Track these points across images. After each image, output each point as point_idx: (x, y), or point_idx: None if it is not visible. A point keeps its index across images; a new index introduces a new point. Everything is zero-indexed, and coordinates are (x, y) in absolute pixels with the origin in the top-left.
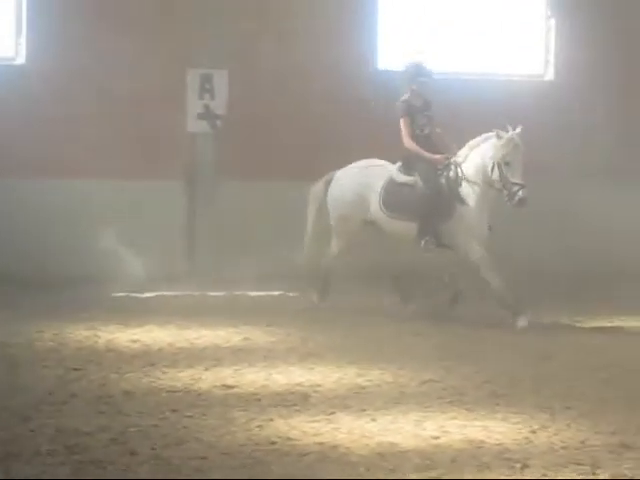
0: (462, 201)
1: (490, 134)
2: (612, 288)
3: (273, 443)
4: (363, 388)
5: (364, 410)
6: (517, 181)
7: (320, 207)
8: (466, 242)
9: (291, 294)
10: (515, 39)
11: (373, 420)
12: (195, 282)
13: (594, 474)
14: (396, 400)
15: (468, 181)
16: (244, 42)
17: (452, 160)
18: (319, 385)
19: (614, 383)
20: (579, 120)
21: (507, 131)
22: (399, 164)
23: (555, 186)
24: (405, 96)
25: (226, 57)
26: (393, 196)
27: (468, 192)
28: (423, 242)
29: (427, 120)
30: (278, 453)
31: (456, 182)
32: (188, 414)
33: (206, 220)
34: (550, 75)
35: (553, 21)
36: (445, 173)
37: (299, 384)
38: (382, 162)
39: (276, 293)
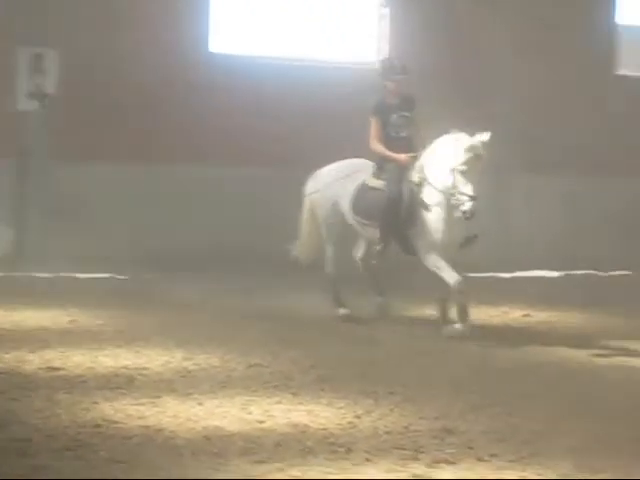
0: (425, 207)
1: (461, 135)
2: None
3: (98, 426)
4: (190, 372)
5: (190, 394)
6: (467, 192)
7: (310, 207)
8: (426, 251)
9: (120, 277)
10: (349, 26)
11: (199, 404)
12: (22, 263)
13: (416, 459)
14: (222, 384)
15: (431, 185)
16: (78, 23)
17: (417, 162)
18: (145, 368)
19: (438, 369)
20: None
21: (475, 135)
22: (373, 167)
23: None
24: (379, 95)
25: (58, 37)
26: (362, 201)
27: (431, 197)
28: (378, 248)
29: (404, 121)
30: (103, 436)
31: (420, 186)
32: (13, 396)
33: (36, 200)
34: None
35: (387, 10)
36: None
37: (125, 367)
38: (362, 163)
39: (105, 275)
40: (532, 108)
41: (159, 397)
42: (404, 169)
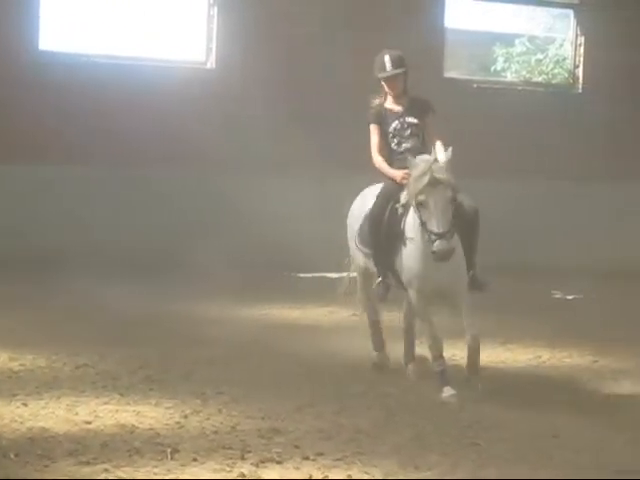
0: (402, 238)
1: (425, 156)
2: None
3: None
4: (15, 372)
5: (15, 395)
6: (432, 229)
7: None
8: (406, 284)
9: None
10: (179, 25)
11: (24, 405)
12: None
13: (243, 458)
14: (49, 385)
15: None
16: None
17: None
18: None
19: (265, 368)
20: (239, 111)
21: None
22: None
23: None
24: (377, 98)
25: None
26: (363, 226)
27: (411, 227)
28: (376, 284)
29: (410, 130)
30: None
31: (405, 208)
32: None
33: None
34: (212, 63)
35: (215, 9)
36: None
37: None
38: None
39: None
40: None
41: None
42: (397, 188)
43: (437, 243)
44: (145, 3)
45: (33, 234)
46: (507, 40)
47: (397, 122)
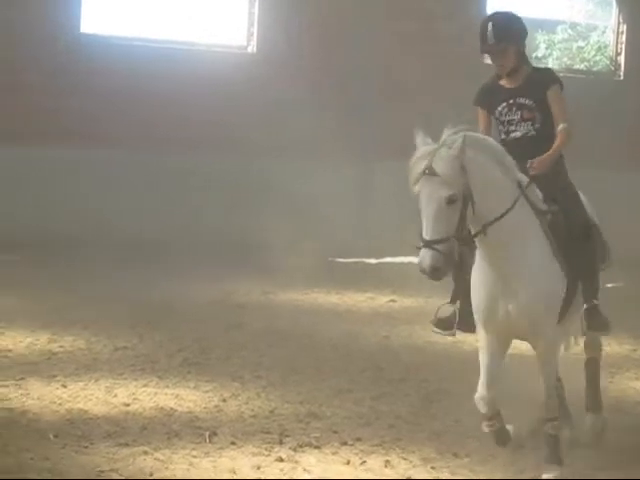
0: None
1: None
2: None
3: None
4: (55, 354)
5: (54, 376)
6: (421, 233)
7: None
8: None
9: None
10: (220, 9)
11: (63, 386)
12: None
13: (281, 442)
14: (88, 367)
15: None
16: None
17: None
18: (9, 350)
19: (303, 353)
20: (281, 95)
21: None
22: None
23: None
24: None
25: None
26: None
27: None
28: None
29: (521, 114)
30: None
31: None
32: None
33: None
34: (253, 47)
35: None
36: None
37: None
38: None
39: None
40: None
41: (23, 379)
42: None
43: (420, 254)
44: None
45: (75, 213)
46: (549, 27)
47: (505, 104)
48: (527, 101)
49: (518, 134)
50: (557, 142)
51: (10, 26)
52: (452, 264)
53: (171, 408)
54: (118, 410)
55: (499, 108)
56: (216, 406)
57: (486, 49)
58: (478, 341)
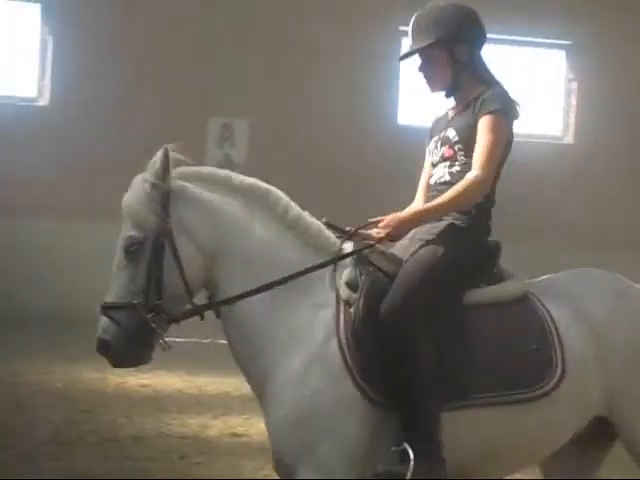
0: None
1: None
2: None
3: None
4: None
5: None
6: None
7: None
8: None
9: None
10: (536, 100)
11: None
12: None
13: None
14: None
15: None
16: (267, 93)
17: None
18: None
19: None
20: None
21: None
22: None
23: None
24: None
25: (247, 107)
26: None
27: None
28: None
29: (445, 150)
30: None
31: None
32: (196, 461)
33: None
34: (569, 138)
35: (575, 84)
36: None
37: None
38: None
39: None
40: None
41: None
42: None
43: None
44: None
45: None
46: None
47: (436, 138)
48: (452, 133)
49: (433, 179)
50: (443, 197)
51: (333, 118)
52: (132, 342)
53: None
54: None
55: (431, 145)
56: None
57: (401, 58)
58: None
